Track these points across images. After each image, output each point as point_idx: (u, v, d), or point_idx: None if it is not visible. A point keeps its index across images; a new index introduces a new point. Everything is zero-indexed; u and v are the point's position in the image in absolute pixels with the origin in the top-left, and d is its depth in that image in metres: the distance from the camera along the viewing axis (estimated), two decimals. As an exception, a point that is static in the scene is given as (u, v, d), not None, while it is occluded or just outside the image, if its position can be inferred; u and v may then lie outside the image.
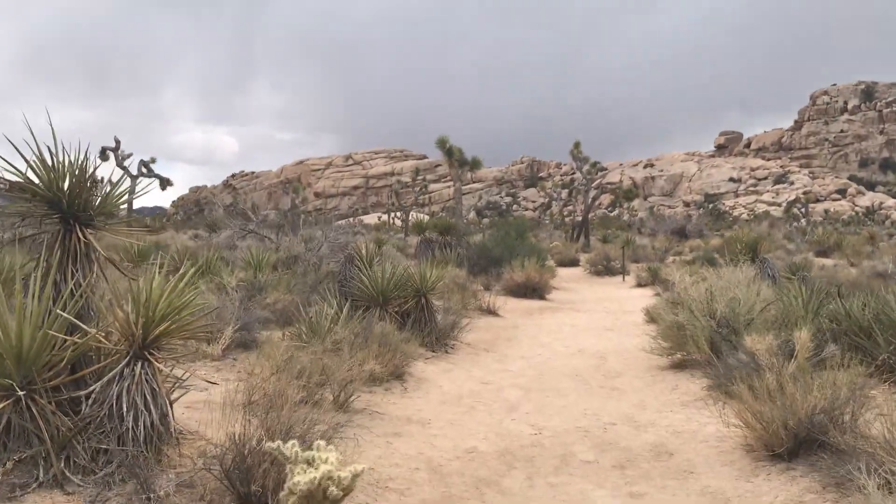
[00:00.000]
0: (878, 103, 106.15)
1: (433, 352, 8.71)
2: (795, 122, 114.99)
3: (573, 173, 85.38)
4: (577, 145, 39.35)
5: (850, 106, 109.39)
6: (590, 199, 39.98)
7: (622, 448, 5.18)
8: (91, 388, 4.04)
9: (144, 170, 32.44)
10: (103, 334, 4.17)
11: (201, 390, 6.43)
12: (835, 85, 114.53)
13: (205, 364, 7.38)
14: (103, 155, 31.95)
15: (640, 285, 20.52)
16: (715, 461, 4.78)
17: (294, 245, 12.41)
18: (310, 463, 2.78)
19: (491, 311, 13.52)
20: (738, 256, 14.21)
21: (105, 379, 4.03)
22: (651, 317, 12.77)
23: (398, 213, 56.20)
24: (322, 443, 3.00)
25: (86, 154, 4.32)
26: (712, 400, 6.33)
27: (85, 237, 4.30)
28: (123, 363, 4.09)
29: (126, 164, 32.04)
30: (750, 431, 4.77)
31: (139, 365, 4.08)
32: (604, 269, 24.16)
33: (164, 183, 32.40)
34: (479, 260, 19.48)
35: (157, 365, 4.07)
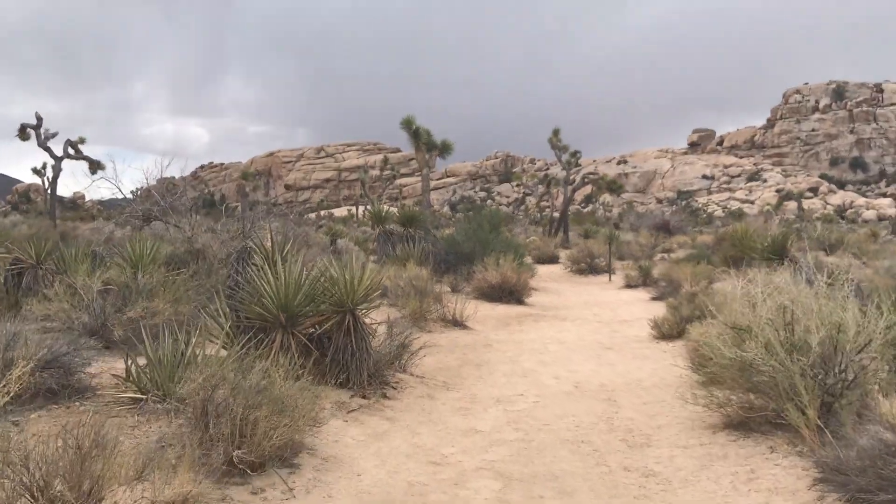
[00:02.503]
0: (849, 103, 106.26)
1: (363, 397, 5.71)
2: (768, 120, 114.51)
3: (547, 168, 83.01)
4: (555, 133, 36.47)
5: (821, 105, 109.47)
6: (569, 191, 37.26)
7: None
8: None
9: (72, 151, 28.58)
10: None
11: None
12: (807, 84, 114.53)
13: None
14: (23, 133, 28.04)
15: (629, 286, 17.91)
16: None
17: (198, 235, 9.26)
18: None
19: (458, 323, 10.66)
20: (765, 255, 11.62)
21: None
22: (662, 332, 10.03)
23: (368, 206, 53.04)
24: None
25: None
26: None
27: None
28: None
29: (50, 143, 28.17)
30: None
31: None
32: (587, 267, 21.46)
33: (95, 166, 28.57)
34: (447, 256, 16.67)
35: None
